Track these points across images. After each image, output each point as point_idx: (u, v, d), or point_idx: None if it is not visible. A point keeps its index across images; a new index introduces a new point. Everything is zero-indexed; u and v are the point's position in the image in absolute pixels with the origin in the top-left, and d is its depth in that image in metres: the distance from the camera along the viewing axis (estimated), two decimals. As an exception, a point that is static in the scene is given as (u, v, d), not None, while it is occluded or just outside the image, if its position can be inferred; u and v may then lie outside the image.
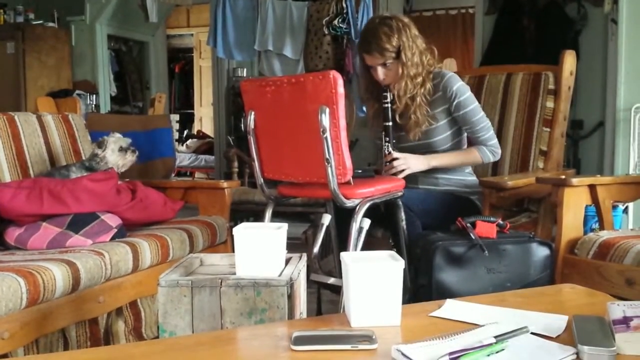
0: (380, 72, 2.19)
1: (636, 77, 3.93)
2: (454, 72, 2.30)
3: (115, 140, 2.38)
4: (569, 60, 2.48)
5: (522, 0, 5.07)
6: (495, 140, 2.29)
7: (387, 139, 2.22)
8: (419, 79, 2.20)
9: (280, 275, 1.40)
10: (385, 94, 2.22)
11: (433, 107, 2.24)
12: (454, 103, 2.22)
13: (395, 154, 2.19)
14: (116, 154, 2.36)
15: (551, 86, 2.49)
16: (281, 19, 4.80)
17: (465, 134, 2.33)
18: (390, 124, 2.22)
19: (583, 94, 4.63)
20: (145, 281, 1.98)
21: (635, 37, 3.92)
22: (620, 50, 3.96)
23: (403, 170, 2.18)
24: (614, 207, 3.25)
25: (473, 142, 2.30)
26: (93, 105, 5.92)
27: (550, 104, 2.48)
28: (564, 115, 2.49)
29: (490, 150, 2.27)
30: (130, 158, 2.41)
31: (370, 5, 4.55)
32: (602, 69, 4.50)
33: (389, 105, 2.22)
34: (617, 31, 3.99)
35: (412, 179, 2.32)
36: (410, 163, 2.19)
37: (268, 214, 2.07)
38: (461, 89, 2.22)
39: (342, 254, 1.28)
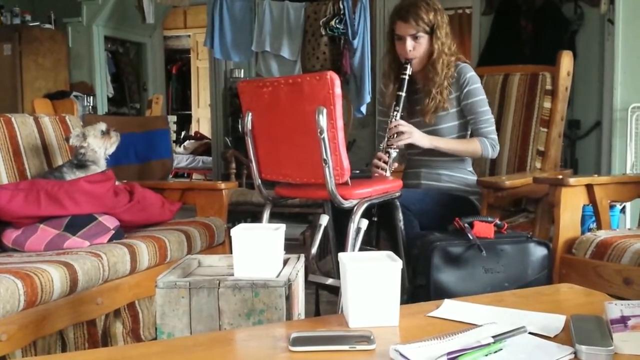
0: (409, 43, 2.22)
1: (633, 77, 3.94)
2: None
3: (93, 127, 2.38)
4: (566, 61, 2.49)
5: (519, 0, 5.08)
6: (495, 135, 2.31)
7: (397, 108, 2.23)
8: (452, 59, 2.26)
9: (278, 276, 1.40)
10: (406, 65, 2.24)
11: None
12: (465, 90, 2.26)
13: (401, 122, 2.20)
14: (99, 138, 2.35)
15: (548, 87, 2.49)
16: (278, 20, 4.80)
17: (469, 132, 2.34)
18: (404, 94, 2.23)
19: (580, 94, 4.64)
20: (143, 283, 1.97)
21: (631, 37, 3.93)
22: (617, 50, 3.96)
23: (405, 137, 2.17)
24: (612, 207, 3.26)
25: (475, 133, 2.32)
26: (90, 107, 5.91)
27: (547, 104, 2.49)
28: (561, 115, 2.50)
29: (491, 143, 2.29)
30: (115, 138, 2.41)
31: (367, 6, 4.54)
32: (599, 69, 4.51)
33: (407, 77, 2.24)
34: (614, 31, 4.00)
35: (414, 175, 2.34)
36: (413, 133, 2.19)
37: (266, 214, 2.07)
38: (473, 78, 2.28)
39: (340, 254, 1.28)
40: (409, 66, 2.24)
